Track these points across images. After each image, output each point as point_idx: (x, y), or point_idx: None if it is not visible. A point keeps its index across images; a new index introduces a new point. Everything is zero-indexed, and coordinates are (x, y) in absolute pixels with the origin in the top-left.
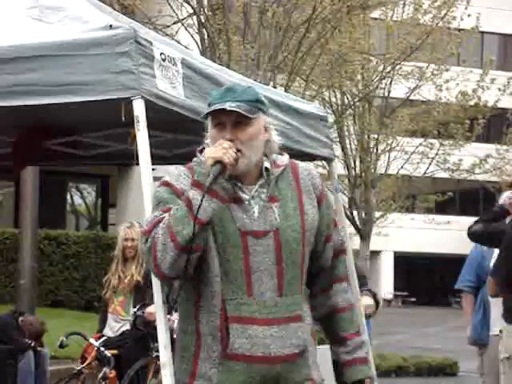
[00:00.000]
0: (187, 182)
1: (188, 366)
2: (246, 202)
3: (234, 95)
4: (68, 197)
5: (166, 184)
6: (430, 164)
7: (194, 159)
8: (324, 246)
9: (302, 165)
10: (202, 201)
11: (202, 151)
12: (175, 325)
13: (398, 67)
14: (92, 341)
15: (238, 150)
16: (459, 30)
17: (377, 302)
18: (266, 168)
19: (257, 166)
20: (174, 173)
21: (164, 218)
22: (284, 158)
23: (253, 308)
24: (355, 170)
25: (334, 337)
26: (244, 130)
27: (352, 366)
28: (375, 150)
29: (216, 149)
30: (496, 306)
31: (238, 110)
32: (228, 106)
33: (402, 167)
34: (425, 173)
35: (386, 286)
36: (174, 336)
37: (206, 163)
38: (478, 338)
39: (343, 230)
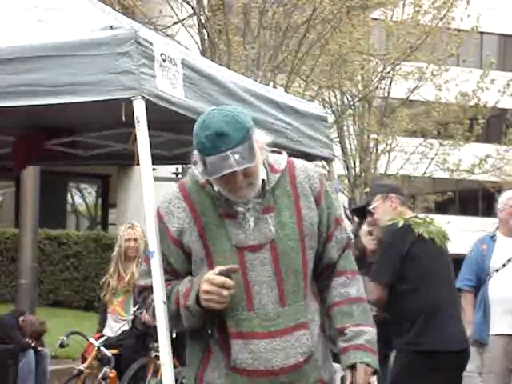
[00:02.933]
0: (181, 211)
1: (196, 370)
2: (241, 216)
3: (229, 141)
4: (68, 197)
5: (161, 219)
6: (429, 164)
7: (188, 174)
8: (324, 246)
9: (300, 166)
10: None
11: (195, 163)
12: None
13: (397, 67)
14: (92, 340)
15: (251, 184)
16: (459, 30)
17: None
18: (263, 180)
19: None
20: (165, 203)
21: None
22: (282, 161)
23: (254, 322)
24: (355, 170)
25: (335, 333)
26: (251, 170)
27: (346, 353)
28: (375, 150)
29: (214, 298)
30: (497, 305)
31: (247, 165)
32: (233, 161)
33: (401, 167)
34: (424, 173)
35: None
36: (174, 335)
37: (203, 303)
38: (479, 337)
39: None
